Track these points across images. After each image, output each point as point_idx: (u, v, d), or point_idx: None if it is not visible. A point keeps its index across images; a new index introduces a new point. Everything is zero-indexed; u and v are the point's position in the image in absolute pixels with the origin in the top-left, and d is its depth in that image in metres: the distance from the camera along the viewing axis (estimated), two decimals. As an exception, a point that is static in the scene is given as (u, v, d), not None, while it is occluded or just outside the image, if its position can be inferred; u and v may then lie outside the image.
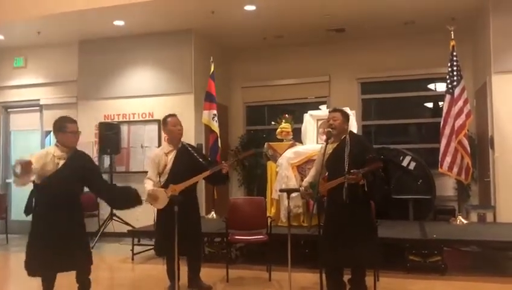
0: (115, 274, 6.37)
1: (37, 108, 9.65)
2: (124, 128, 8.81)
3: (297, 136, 7.38)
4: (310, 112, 7.31)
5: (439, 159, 6.78)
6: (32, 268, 4.09)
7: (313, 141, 7.00)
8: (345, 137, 4.32)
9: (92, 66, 9.09)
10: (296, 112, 8.40)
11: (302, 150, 6.71)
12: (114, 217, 8.00)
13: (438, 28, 7.24)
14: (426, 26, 8.14)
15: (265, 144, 7.20)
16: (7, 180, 9.88)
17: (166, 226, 4.56)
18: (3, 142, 9.99)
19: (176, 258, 4.37)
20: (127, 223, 7.83)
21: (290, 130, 7.23)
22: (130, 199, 4.32)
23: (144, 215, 6.45)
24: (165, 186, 4.75)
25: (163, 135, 8.34)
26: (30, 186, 4.18)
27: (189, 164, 4.82)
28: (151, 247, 5.49)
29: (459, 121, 6.60)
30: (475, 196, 8.20)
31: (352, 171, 3.99)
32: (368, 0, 7.21)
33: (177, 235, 4.26)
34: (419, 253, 5.55)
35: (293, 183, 6.37)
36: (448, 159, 6.69)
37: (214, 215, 7.84)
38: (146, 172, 4.96)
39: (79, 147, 4.37)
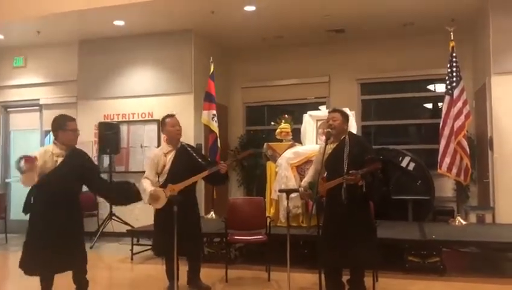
0: (114, 274, 6.37)
1: (37, 108, 9.65)
2: (124, 128, 8.81)
3: (296, 137, 7.39)
4: (309, 112, 7.32)
5: (439, 160, 6.78)
6: (30, 267, 4.09)
7: (312, 142, 7.01)
8: (344, 137, 4.33)
9: (91, 66, 9.10)
10: (295, 113, 8.39)
11: (301, 151, 6.71)
12: (113, 217, 8.01)
13: (437, 29, 7.25)
14: (426, 27, 8.15)
15: (265, 144, 7.21)
16: (6, 180, 9.88)
17: (164, 226, 4.56)
18: (3, 142, 9.99)
19: (175, 258, 4.37)
20: (126, 223, 7.83)
21: (289, 130, 7.23)
22: (130, 196, 4.35)
23: (143, 215, 6.48)
24: (163, 186, 4.75)
25: (162, 135, 8.36)
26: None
27: (188, 164, 4.82)
28: (151, 247, 5.50)
29: (459, 122, 6.61)
30: (474, 197, 8.20)
31: (351, 172, 3.99)
32: (367, 1, 7.22)
33: (176, 235, 4.26)
34: (418, 254, 5.55)
35: (292, 183, 6.37)
36: (447, 160, 6.70)
37: (213, 215, 7.85)
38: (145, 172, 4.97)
39: (79, 147, 4.38)
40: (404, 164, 7.65)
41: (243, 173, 9.53)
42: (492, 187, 7.07)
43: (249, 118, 10.19)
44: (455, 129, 6.62)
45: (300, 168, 6.54)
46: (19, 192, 9.41)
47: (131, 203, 4.41)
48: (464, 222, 6.79)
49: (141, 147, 8.77)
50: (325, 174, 4.40)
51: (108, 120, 8.85)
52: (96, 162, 8.61)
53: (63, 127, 4.21)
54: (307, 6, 7.41)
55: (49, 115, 9.24)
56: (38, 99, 9.57)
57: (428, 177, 7.63)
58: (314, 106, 8.24)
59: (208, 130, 8.22)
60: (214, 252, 6.37)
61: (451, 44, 6.83)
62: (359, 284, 4.34)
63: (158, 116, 8.44)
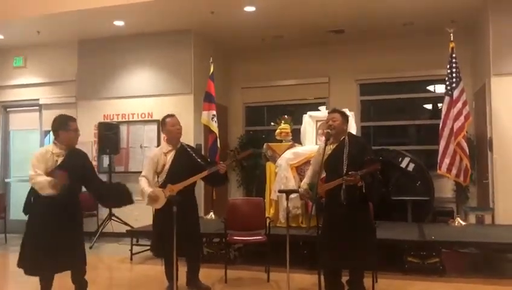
0: (114, 274, 6.37)
1: (37, 108, 9.65)
2: (123, 129, 8.80)
3: (296, 137, 7.39)
4: (309, 112, 7.32)
5: (438, 161, 6.78)
6: (30, 267, 4.08)
7: (312, 142, 7.01)
8: (344, 138, 4.33)
9: (91, 66, 9.10)
10: (295, 113, 8.39)
11: (301, 151, 6.72)
12: (113, 217, 8.01)
13: (437, 29, 7.26)
14: (425, 28, 8.15)
15: (265, 144, 7.21)
16: (6, 180, 9.88)
17: (163, 226, 4.57)
18: (3, 142, 9.98)
19: (175, 258, 4.37)
20: (125, 223, 7.83)
21: (289, 131, 7.23)
22: (123, 199, 4.36)
23: (142, 216, 6.46)
24: (163, 186, 4.76)
25: (162, 135, 8.35)
26: (28, 185, 4.19)
27: (188, 164, 4.82)
28: (149, 247, 5.50)
29: (458, 123, 6.61)
30: (473, 197, 8.21)
31: (350, 173, 3.99)
32: (367, 1, 7.22)
33: (175, 235, 4.26)
34: (417, 254, 5.56)
35: (292, 184, 6.38)
36: (447, 160, 6.70)
37: (213, 215, 7.85)
38: (145, 172, 4.97)
39: (78, 147, 4.39)
40: (403, 164, 7.65)
41: (242, 174, 9.53)
42: (491, 188, 7.07)
43: (248, 119, 10.19)
44: (455, 130, 6.62)
45: (300, 169, 6.55)
46: (18, 192, 9.47)
47: (123, 206, 4.43)
48: (463, 223, 6.80)
49: (141, 147, 8.77)
50: (324, 175, 4.40)
51: (108, 120, 8.85)
52: (95, 163, 8.63)
53: (64, 127, 4.22)
54: (306, 6, 7.41)
55: (49, 115, 9.26)
56: (38, 99, 9.56)
57: (427, 178, 7.63)
58: (314, 107, 8.23)
59: (207, 130, 8.21)
60: (213, 253, 6.37)
61: (451, 45, 6.83)
62: (359, 285, 4.34)
63: (158, 116, 8.44)
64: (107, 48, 8.95)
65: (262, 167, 7.56)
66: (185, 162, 4.84)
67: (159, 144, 8.26)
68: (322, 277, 4.55)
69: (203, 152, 7.87)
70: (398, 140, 9.30)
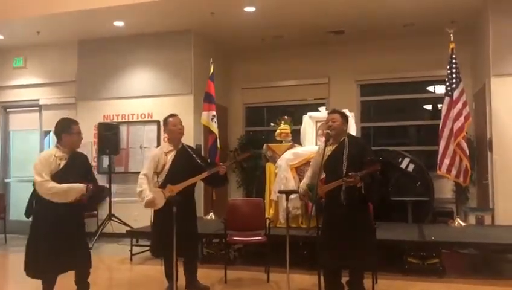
0: (113, 275, 6.36)
1: (37, 108, 9.65)
2: (123, 129, 8.80)
3: (296, 138, 7.39)
4: (309, 113, 7.33)
5: (438, 161, 6.78)
6: (33, 271, 4.09)
7: (312, 143, 7.01)
8: (343, 139, 4.33)
9: (91, 67, 9.09)
10: (295, 114, 8.39)
11: (301, 152, 6.71)
12: (112, 218, 8.01)
13: (437, 30, 7.25)
14: (426, 29, 8.15)
15: (265, 145, 7.21)
16: (6, 180, 9.88)
17: (163, 226, 4.57)
18: (3, 142, 9.98)
19: (174, 258, 4.37)
20: (125, 224, 7.83)
21: (289, 131, 7.23)
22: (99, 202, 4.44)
23: (142, 216, 6.46)
24: (162, 186, 4.75)
25: (162, 135, 8.36)
26: (30, 188, 4.20)
27: (188, 165, 4.82)
28: (149, 248, 5.50)
29: (458, 124, 6.61)
30: (473, 198, 8.21)
31: (350, 174, 3.98)
32: (367, 2, 7.23)
33: (175, 236, 4.26)
34: (417, 255, 5.55)
35: (291, 184, 6.38)
36: (446, 161, 6.70)
37: (213, 216, 7.84)
38: (145, 173, 4.96)
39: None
40: (403, 165, 7.66)
41: (242, 174, 9.53)
42: (491, 189, 7.07)
43: (248, 119, 10.19)
44: (455, 130, 6.62)
45: (299, 170, 6.54)
46: (18, 192, 9.48)
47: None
48: (463, 224, 6.80)
49: (141, 147, 8.77)
50: (324, 176, 4.40)
51: (108, 121, 8.84)
52: (95, 163, 8.63)
53: (67, 130, 4.23)
54: (306, 7, 7.41)
55: (49, 116, 9.30)
56: (38, 100, 9.55)
57: (427, 179, 7.64)
58: (314, 107, 8.24)
59: (207, 131, 8.21)
60: (213, 253, 6.37)
61: (451, 45, 6.83)
62: (358, 286, 4.34)
63: (158, 117, 8.48)
64: (107, 48, 8.95)
65: (262, 168, 7.56)
66: (186, 162, 4.84)
67: (158, 145, 8.27)
68: (322, 278, 4.54)
69: (203, 153, 7.86)
70: (398, 141, 9.30)
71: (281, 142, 7.19)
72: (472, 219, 7.31)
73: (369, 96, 9.36)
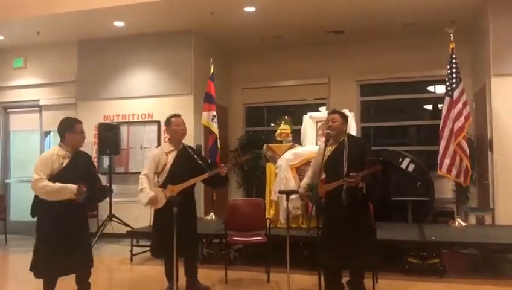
0: (114, 275, 6.36)
1: (37, 108, 9.65)
2: (124, 129, 8.80)
3: (296, 138, 7.39)
4: (309, 113, 7.33)
5: (438, 162, 6.78)
6: (40, 270, 4.10)
7: (312, 143, 7.01)
8: (343, 139, 4.32)
9: (91, 67, 9.09)
10: (295, 114, 8.40)
11: (301, 152, 6.71)
12: (113, 218, 8.00)
13: (437, 30, 7.25)
14: (426, 29, 8.15)
15: (265, 145, 7.21)
16: (6, 181, 9.88)
17: (163, 227, 4.56)
18: (3, 143, 9.98)
19: (175, 259, 4.37)
20: (125, 224, 7.83)
21: (289, 131, 7.23)
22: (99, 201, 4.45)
23: (142, 216, 6.47)
24: (163, 186, 4.75)
25: (162, 135, 8.37)
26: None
27: (189, 166, 4.82)
28: (149, 248, 5.51)
29: (458, 124, 6.61)
30: (474, 198, 8.21)
31: (351, 174, 3.98)
32: (367, 1, 7.22)
33: (175, 236, 4.26)
34: (418, 255, 5.55)
35: (292, 184, 6.37)
36: (447, 161, 6.70)
37: (213, 216, 7.84)
38: (145, 173, 4.96)
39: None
40: (404, 165, 7.65)
41: (242, 175, 9.52)
42: (492, 188, 7.07)
43: (248, 119, 10.19)
44: (455, 130, 6.62)
45: (300, 170, 6.54)
46: (18, 193, 9.49)
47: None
48: (463, 223, 6.80)
49: (141, 148, 8.77)
50: (324, 177, 4.40)
51: (108, 121, 8.84)
52: (96, 163, 8.62)
53: (70, 129, 4.25)
54: (306, 7, 7.41)
55: (49, 116, 9.31)
56: (38, 100, 9.55)
57: (428, 179, 7.63)
58: (314, 107, 8.25)
59: (207, 131, 8.21)
60: (213, 253, 6.37)
61: (451, 45, 6.83)
62: (359, 286, 4.34)
63: (158, 117, 8.49)
64: (107, 48, 8.94)
65: (263, 168, 7.55)
66: (186, 163, 4.84)
67: (159, 145, 8.27)
68: (323, 278, 4.54)
69: (203, 153, 7.86)
70: (399, 141, 9.30)
71: (281, 142, 7.18)
72: (472, 219, 7.30)
73: (369, 96, 9.36)
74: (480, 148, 7.85)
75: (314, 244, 5.09)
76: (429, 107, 9.29)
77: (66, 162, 4.16)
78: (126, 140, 8.84)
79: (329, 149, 4.35)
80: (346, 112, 4.74)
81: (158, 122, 8.56)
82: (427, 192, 7.55)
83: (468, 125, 6.74)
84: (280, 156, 6.78)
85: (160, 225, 4.78)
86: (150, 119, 8.77)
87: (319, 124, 6.98)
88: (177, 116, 5.00)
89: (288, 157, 6.66)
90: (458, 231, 6.51)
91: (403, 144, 8.96)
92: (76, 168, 4.17)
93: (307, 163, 6.33)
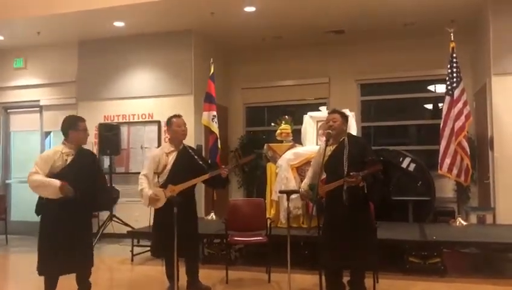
0: (114, 275, 6.36)
1: (37, 109, 9.65)
2: (124, 129, 8.80)
3: (297, 138, 7.39)
4: (309, 113, 7.32)
5: (439, 161, 6.78)
6: (41, 268, 4.12)
7: (312, 143, 7.00)
8: (343, 139, 4.32)
9: (92, 67, 9.09)
10: (295, 113, 8.39)
11: (301, 152, 6.71)
12: (114, 218, 8.00)
13: (437, 29, 7.25)
14: (426, 28, 8.14)
15: (265, 145, 7.21)
16: (7, 181, 9.88)
17: (163, 227, 4.56)
18: (3, 143, 9.98)
19: (175, 259, 4.37)
20: (126, 224, 7.82)
21: (289, 131, 7.23)
22: (108, 205, 4.42)
23: (143, 217, 6.46)
24: (163, 186, 4.75)
25: (163, 136, 8.37)
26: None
27: (190, 166, 4.82)
28: (150, 248, 5.51)
29: (459, 123, 6.61)
30: (475, 197, 8.20)
31: (352, 173, 3.98)
32: (367, 1, 7.22)
33: (175, 236, 4.26)
34: (418, 255, 5.54)
35: (292, 184, 6.37)
36: (447, 160, 6.70)
37: (214, 216, 7.84)
38: (145, 173, 4.96)
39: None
40: (404, 164, 7.65)
41: (243, 175, 9.52)
42: (492, 188, 7.07)
43: (249, 119, 10.18)
44: (455, 130, 6.62)
45: (300, 169, 6.54)
46: (19, 193, 9.49)
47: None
48: (464, 223, 6.80)
49: (141, 148, 8.77)
50: (324, 176, 4.39)
51: (109, 121, 8.84)
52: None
53: (74, 126, 4.31)
54: (306, 7, 7.41)
55: (49, 116, 9.32)
56: (39, 101, 9.56)
57: (428, 178, 7.63)
58: (314, 107, 8.23)
59: (208, 131, 8.21)
60: (214, 253, 6.36)
61: (452, 45, 6.83)
62: (359, 285, 4.34)
63: (158, 117, 8.49)
64: (107, 48, 8.94)
65: (263, 168, 7.55)
66: (187, 163, 4.83)
67: (159, 145, 8.27)
68: (323, 277, 4.54)
69: (203, 153, 7.86)
70: (399, 140, 9.30)
71: (281, 142, 7.18)
72: (473, 218, 7.30)
73: (369, 95, 9.35)
74: (480, 148, 7.84)
75: (314, 244, 5.08)
76: (429, 106, 9.28)
77: (70, 159, 4.20)
78: (126, 140, 8.84)
79: (330, 149, 4.35)
80: (347, 111, 4.74)
81: (158, 122, 8.56)
82: (428, 191, 7.55)
83: (468, 125, 6.74)
84: (280, 156, 6.78)
85: (160, 225, 4.77)
86: (150, 119, 8.77)
87: (320, 124, 6.98)
88: (178, 116, 5.00)
89: (289, 157, 6.65)
90: (459, 230, 6.51)
91: (403, 144, 8.96)
92: (81, 165, 4.20)
93: (308, 163, 6.33)
